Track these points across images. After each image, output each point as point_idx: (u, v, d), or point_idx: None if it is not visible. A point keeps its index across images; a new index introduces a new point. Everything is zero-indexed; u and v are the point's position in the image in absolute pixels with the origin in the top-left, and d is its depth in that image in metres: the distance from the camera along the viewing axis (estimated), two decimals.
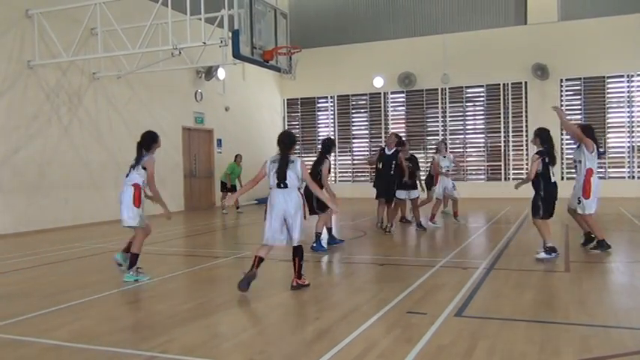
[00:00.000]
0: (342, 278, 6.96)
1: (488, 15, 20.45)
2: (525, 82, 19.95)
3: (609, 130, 19.32)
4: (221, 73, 18.21)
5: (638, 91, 19.04)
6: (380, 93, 21.85)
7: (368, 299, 5.59)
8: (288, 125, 23.31)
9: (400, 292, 5.81)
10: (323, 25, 22.21)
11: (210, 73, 17.83)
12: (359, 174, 22.41)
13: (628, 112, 19.14)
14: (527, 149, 19.94)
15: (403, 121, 21.90)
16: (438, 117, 21.30)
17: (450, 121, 21.14)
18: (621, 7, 18.54)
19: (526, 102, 20.03)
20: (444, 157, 12.10)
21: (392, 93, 21.80)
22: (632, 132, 19.07)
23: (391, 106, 21.99)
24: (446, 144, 12.64)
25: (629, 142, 19.12)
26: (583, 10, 19.23)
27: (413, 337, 4.36)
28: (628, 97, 19.14)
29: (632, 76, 19.00)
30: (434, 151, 13.57)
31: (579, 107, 19.62)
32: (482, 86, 20.65)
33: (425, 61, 20.72)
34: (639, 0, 18.33)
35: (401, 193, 11.22)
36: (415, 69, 20.98)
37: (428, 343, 4.20)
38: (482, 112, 20.96)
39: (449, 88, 20.88)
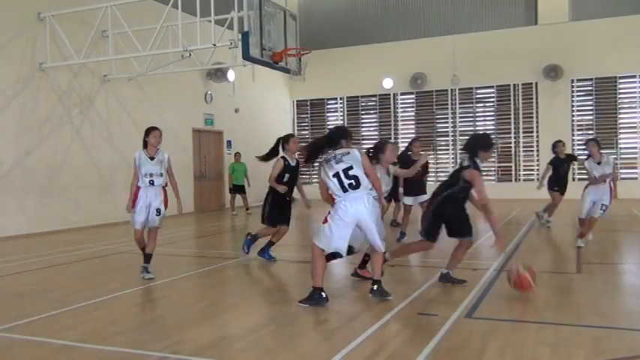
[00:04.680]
0: (353, 279, 6.95)
1: (498, 15, 20.35)
2: (536, 83, 19.83)
3: (621, 131, 19.14)
4: (231, 75, 18.25)
5: None
6: (389, 94, 21.79)
7: (379, 300, 5.58)
8: (298, 127, 23.32)
9: (411, 293, 5.80)
10: (332, 26, 22.20)
11: (219, 74, 17.87)
12: None
13: None
14: (537, 150, 19.85)
15: (413, 123, 21.84)
16: (447, 118, 21.21)
17: (459, 122, 21.04)
18: (633, 6, 18.37)
19: (537, 103, 19.91)
20: (599, 163, 8.72)
21: (401, 94, 21.73)
22: None
23: (401, 108, 21.93)
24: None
25: None
26: (594, 10, 19.08)
27: (424, 338, 4.35)
28: None
29: None
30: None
31: (591, 108, 19.47)
32: (492, 87, 20.53)
33: (435, 62, 20.64)
34: None
35: (408, 200, 10.12)
36: (425, 70, 20.90)
37: (438, 345, 4.19)
38: (492, 113, 20.83)
39: (459, 89, 20.79)
